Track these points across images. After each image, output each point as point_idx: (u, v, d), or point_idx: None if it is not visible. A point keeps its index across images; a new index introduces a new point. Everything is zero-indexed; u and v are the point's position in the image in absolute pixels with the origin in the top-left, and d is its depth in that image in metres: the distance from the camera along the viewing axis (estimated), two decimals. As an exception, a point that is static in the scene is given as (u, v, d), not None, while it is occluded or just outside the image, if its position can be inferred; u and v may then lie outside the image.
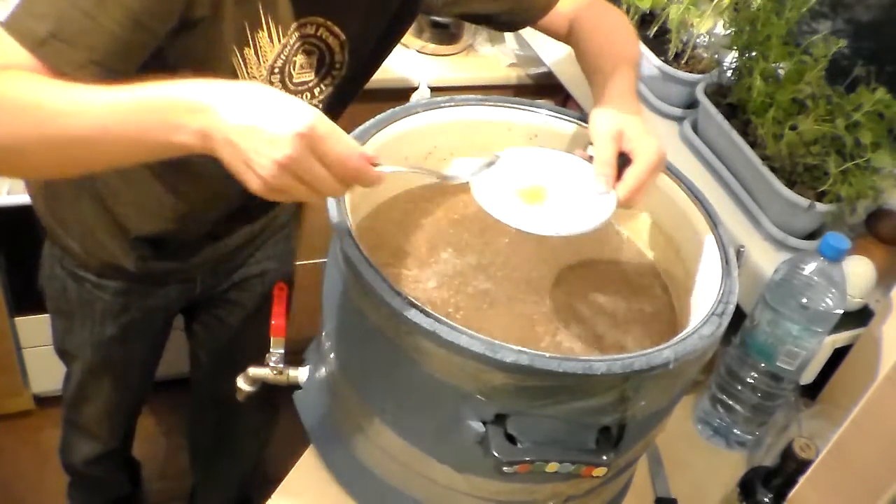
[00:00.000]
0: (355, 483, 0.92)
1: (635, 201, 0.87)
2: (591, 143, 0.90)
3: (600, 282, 0.98)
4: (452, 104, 0.98)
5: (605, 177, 0.87)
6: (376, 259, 0.76)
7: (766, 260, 1.10)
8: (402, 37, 1.10)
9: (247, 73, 0.90)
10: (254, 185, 0.65)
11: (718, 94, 1.25)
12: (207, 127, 0.65)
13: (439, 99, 0.98)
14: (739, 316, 0.98)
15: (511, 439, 0.76)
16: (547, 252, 1.00)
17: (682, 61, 1.34)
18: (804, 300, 0.97)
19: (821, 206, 1.08)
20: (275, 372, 0.94)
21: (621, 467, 0.89)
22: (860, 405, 0.71)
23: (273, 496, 0.94)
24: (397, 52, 1.85)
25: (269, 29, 0.88)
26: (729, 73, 1.26)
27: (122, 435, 1.50)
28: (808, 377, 1.09)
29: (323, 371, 0.93)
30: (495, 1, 1.08)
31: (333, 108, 1.03)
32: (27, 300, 1.76)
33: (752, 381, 1.04)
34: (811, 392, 1.13)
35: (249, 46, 0.88)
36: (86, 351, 1.28)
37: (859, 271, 1.07)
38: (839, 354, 1.09)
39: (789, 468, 0.93)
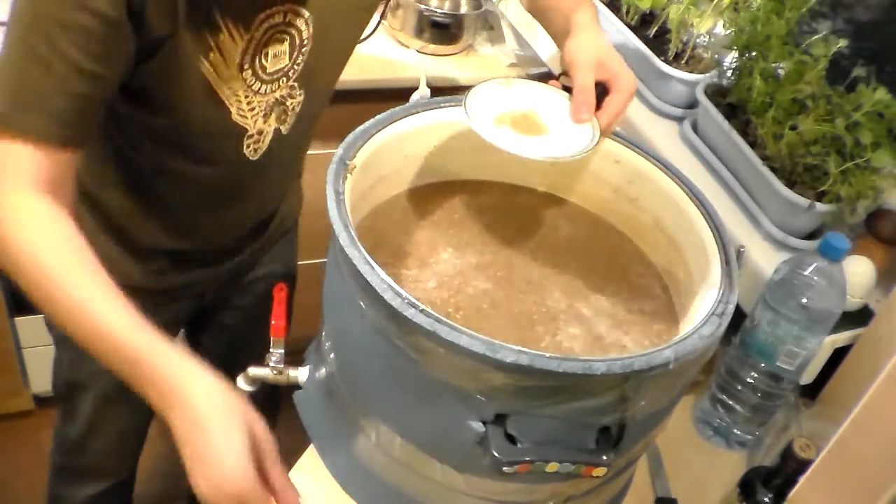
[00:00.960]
0: (355, 483, 0.92)
1: (612, 128, 0.93)
2: (565, 74, 0.95)
3: (600, 282, 0.98)
4: (452, 104, 0.98)
5: (586, 105, 0.91)
6: (376, 259, 0.76)
7: (766, 260, 1.10)
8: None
9: (217, 75, 0.90)
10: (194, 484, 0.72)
11: (718, 94, 1.25)
12: (166, 415, 0.73)
13: (439, 99, 0.98)
14: (739, 316, 0.98)
15: (511, 439, 0.76)
16: (547, 252, 1.00)
17: (682, 61, 1.34)
18: (804, 300, 0.97)
19: (821, 206, 1.08)
20: (275, 372, 0.94)
21: (621, 467, 0.89)
22: (860, 405, 0.71)
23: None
24: (397, 52, 1.87)
25: (228, 30, 0.87)
26: (729, 73, 1.26)
27: (131, 464, 1.45)
28: (808, 377, 1.09)
29: (323, 371, 0.93)
30: None
31: (307, 75, 1.01)
32: (27, 300, 1.75)
33: (752, 381, 1.04)
34: (811, 392, 1.13)
35: (214, 51, 0.88)
36: (101, 378, 1.22)
37: (859, 271, 1.07)
38: (839, 354, 1.09)
39: (789, 468, 0.93)
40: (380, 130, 0.92)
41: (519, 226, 1.03)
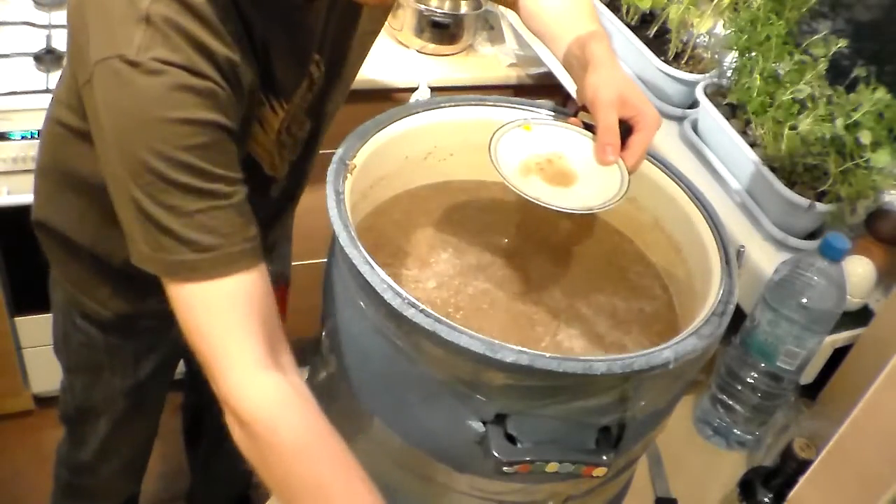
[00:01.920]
0: (355, 483, 0.92)
1: (638, 167, 0.88)
2: (583, 109, 0.91)
3: (600, 282, 0.98)
4: (452, 104, 0.98)
5: (612, 147, 0.87)
6: (376, 259, 0.76)
7: (766, 260, 1.10)
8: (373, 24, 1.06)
9: (256, 142, 0.91)
10: None
11: (718, 94, 1.25)
12: None
13: (439, 99, 0.98)
14: (739, 316, 0.98)
15: (511, 439, 0.76)
16: (547, 252, 1.00)
17: (682, 61, 1.34)
18: (804, 300, 0.97)
19: (821, 206, 1.08)
20: (275, 372, 0.94)
21: (621, 467, 0.89)
22: (860, 405, 0.71)
23: (273, 496, 0.94)
24: (397, 52, 1.87)
25: (270, 104, 0.88)
26: (729, 73, 1.26)
27: (139, 480, 1.44)
28: (808, 377, 1.09)
29: (323, 371, 0.93)
30: None
31: (316, 106, 1.01)
32: (27, 300, 1.76)
33: (752, 381, 1.04)
34: (811, 392, 1.13)
35: (255, 123, 0.88)
36: (117, 400, 1.22)
37: (859, 271, 1.07)
38: (839, 354, 1.09)
39: (789, 468, 0.93)
40: (380, 130, 0.92)
41: (519, 226, 1.03)
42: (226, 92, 0.75)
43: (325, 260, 0.88)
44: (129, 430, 1.28)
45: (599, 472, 0.77)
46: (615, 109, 0.87)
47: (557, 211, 0.83)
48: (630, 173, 0.87)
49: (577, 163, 0.90)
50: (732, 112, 1.22)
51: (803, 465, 0.89)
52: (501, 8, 1.80)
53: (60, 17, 1.69)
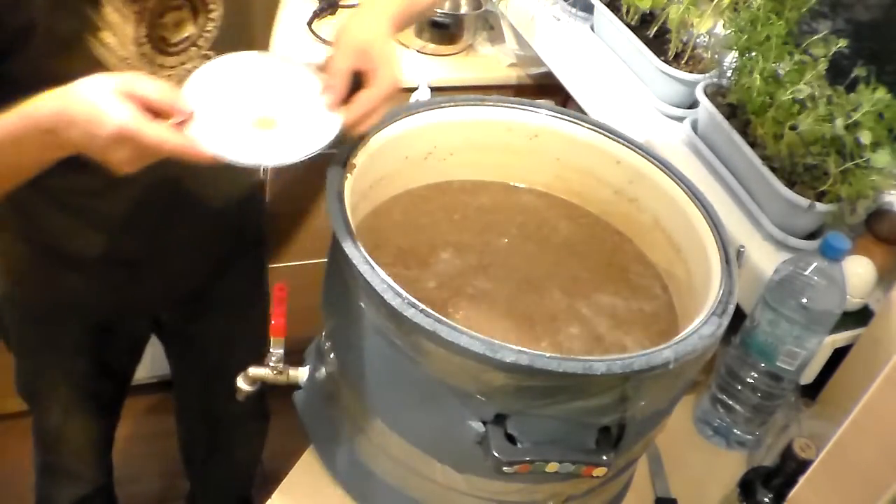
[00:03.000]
0: (355, 483, 0.92)
1: (361, 128, 0.82)
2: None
3: (600, 282, 0.98)
4: (452, 104, 0.98)
5: (332, 91, 0.81)
6: (376, 259, 0.76)
7: (766, 260, 1.10)
8: None
9: (114, 55, 0.84)
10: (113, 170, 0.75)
11: (718, 94, 1.25)
12: (60, 145, 0.75)
13: (439, 99, 0.98)
14: (739, 316, 0.98)
15: (511, 439, 0.76)
16: (547, 252, 1.00)
17: (682, 61, 1.34)
18: (804, 300, 0.97)
19: (821, 206, 1.08)
20: (275, 372, 0.94)
21: (621, 467, 0.89)
22: (860, 405, 0.71)
23: (273, 496, 0.94)
24: (397, 52, 1.86)
25: (114, 5, 0.81)
26: (729, 73, 1.26)
27: (105, 467, 1.42)
28: (808, 377, 1.09)
29: (323, 371, 0.93)
30: None
31: (227, 41, 0.93)
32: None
33: (752, 381, 1.04)
34: (811, 392, 1.12)
35: (103, 29, 0.82)
36: (58, 388, 1.22)
37: (859, 271, 1.07)
38: (839, 354, 1.09)
39: (789, 468, 0.93)
40: (380, 130, 0.92)
41: (519, 226, 1.03)
42: None
43: (325, 260, 0.88)
44: (77, 420, 1.27)
45: (599, 472, 0.77)
46: (352, 57, 0.81)
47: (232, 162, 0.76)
48: (348, 131, 0.81)
49: (290, 105, 0.83)
50: (732, 112, 1.22)
51: (803, 465, 0.89)
52: (501, 7, 1.80)
53: None
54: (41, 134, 0.74)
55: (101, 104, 0.71)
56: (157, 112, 0.73)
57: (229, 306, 1.28)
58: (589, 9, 1.50)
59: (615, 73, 1.42)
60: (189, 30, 0.89)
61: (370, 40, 0.82)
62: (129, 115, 0.71)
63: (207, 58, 0.90)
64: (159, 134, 0.72)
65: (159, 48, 0.87)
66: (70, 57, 0.82)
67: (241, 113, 0.81)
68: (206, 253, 1.16)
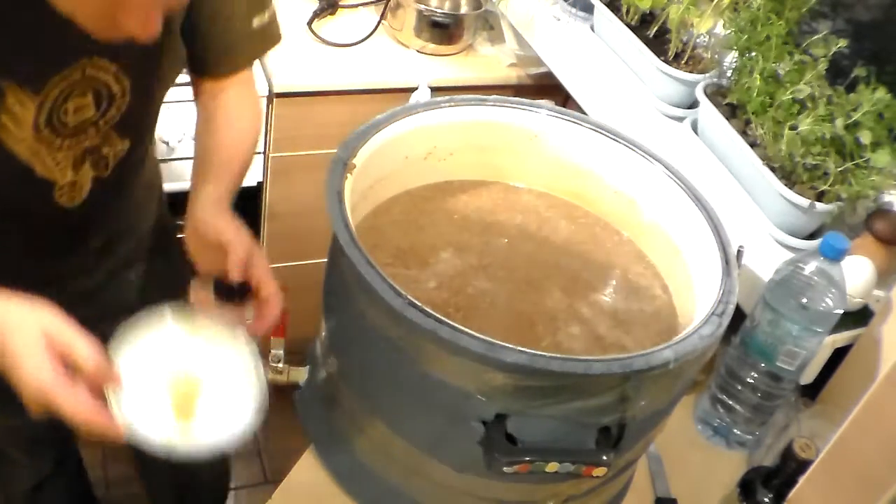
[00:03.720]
0: (355, 483, 0.92)
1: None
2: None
3: (600, 282, 0.98)
4: (452, 104, 0.98)
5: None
6: (376, 259, 0.76)
7: (766, 260, 1.10)
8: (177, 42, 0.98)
9: (11, 136, 0.84)
10: None
11: (718, 94, 1.25)
12: None
13: (439, 99, 0.98)
14: (739, 316, 0.98)
15: (511, 439, 0.76)
16: (547, 252, 1.00)
17: (682, 61, 1.34)
18: (804, 300, 0.97)
19: (821, 206, 1.08)
20: (275, 372, 0.94)
21: (621, 467, 0.89)
22: (860, 405, 0.71)
23: (273, 496, 0.94)
24: (397, 52, 1.87)
25: (15, 94, 0.81)
26: (729, 73, 1.26)
27: (59, 458, 1.37)
28: (808, 377, 1.09)
29: (323, 371, 0.93)
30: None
31: (129, 124, 0.96)
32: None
33: (752, 381, 1.04)
34: (811, 392, 1.12)
35: (4, 114, 0.82)
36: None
37: (859, 271, 1.07)
38: (839, 354, 1.09)
39: (789, 468, 0.93)
40: (380, 130, 0.92)
41: (519, 226, 1.03)
42: None
43: (325, 260, 0.88)
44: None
45: (599, 471, 0.77)
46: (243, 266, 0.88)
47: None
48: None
49: (213, 377, 0.84)
50: (732, 112, 1.22)
51: (803, 465, 0.89)
52: (501, 7, 1.80)
53: None
54: None
55: (26, 357, 0.74)
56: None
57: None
58: (589, 9, 1.50)
59: (615, 73, 1.42)
60: (89, 113, 0.90)
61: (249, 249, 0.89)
62: (49, 378, 0.73)
63: (108, 137, 0.94)
64: (75, 406, 0.74)
65: (57, 131, 0.88)
66: None
67: (162, 386, 0.83)
68: (97, 261, 1.14)
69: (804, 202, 1.08)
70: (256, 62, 1.67)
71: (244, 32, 1.00)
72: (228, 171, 1.00)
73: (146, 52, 0.86)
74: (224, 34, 0.99)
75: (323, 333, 0.92)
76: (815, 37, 1.14)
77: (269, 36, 1.04)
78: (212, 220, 0.92)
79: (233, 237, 0.89)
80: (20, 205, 0.94)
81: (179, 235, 1.27)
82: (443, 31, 1.82)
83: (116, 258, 1.16)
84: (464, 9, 1.90)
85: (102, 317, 1.22)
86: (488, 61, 1.88)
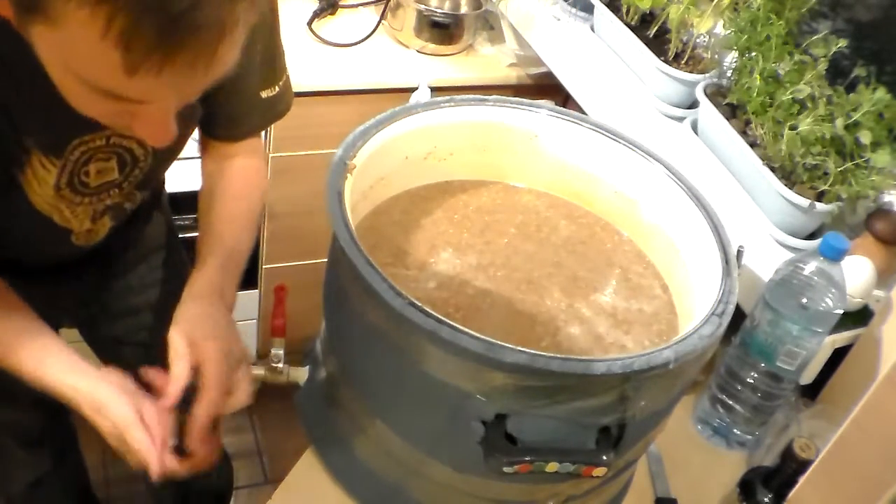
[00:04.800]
0: (355, 483, 0.92)
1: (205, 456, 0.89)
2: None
3: (600, 282, 0.98)
4: (452, 104, 0.98)
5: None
6: (376, 259, 0.76)
7: (766, 260, 1.10)
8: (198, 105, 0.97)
9: (33, 191, 0.87)
10: None
11: (718, 94, 1.25)
12: (68, 401, 0.86)
13: (439, 99, 0.98)
14: (739, 316, 0.98)
15: (511, 439, 0.76)
16: (547, 252, 1.00)
17: (682, 61, 1.34)
18: (804, 300, 0.97)
19: (821, 206, 1.08)
20: (275, 372, 0.94)
21: (621, 467, 0.89)
22: (860, 405, 0.71)
23: (273, 496, 0.94)
24: (397, 52, 1.87)
25: (38, 157, 0.83)
26: (729, 73, 1.26)
27: (58, 455, 1.37)
28: (808, 377, 1.09)
29: (323, 371, 0.93)
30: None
31: (150, 179, 0.98)
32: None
33: (752, 381, 1.04)
34: (811, 392, 1.12)
35: (25, 171, 0.84)
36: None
37: (859, 271, 1.07)
38: (839, 354, 1.09)
39: (789, 468, 0.93)
40: (380, 130, 0.92)
41: (519, 226, 1.03)
42: None
43: (325, 260, 0.88)
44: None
45: (599, 472, 0.77)
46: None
47: None
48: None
49: None
50: (732, 112, 1.22)
51: (803, 465, 0.89)
52: (501, 7, 1.81)
53: None
54: (67, 389, 0.85)
55: (131, 428, 0.84)
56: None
57: (148, 319, 1.27)
58: (589, 9, 1.50)
59: (615, 73, 1.42)
60: (112, 176, 0.91)
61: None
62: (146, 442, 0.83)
63: (131, 195, 0.98)
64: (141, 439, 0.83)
65: (77, 191, 0.90)
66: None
67: None
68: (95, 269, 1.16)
69: (804, 202, 1.08)
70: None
71: (251, 103, 0.99)
72: (221, 245, 0.97)
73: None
74: (230, 103, 0.98)
75: (323, 333, 0.92)
76: (815, 37, 1.14)
77: (276, 109, 1.03)
78: (193, 333, 0.87)
79: (210, 369, 0.86)
80: (38, 243, 0.98)
81: (182, 236, 1.30)
82: (443, 31, 1.82)
83: (121, 264, 1.20)
84: (464, 9, 1.90)
85: (104, 315, 1.26)
86: (488, 61, 1.88)
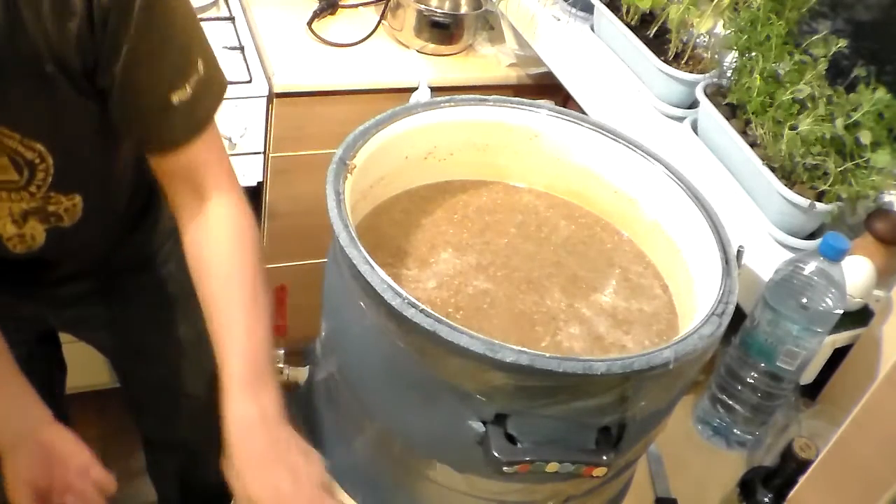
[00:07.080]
0: (355, 483, 0.92)
1: None
2: None
3: (600, 282, 0.98)
4: (452, 104, 0.98)
5: None
6: (376, 259, 0.76)
7: (766, 260, 1.10)
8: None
9: None
10: None
11: (718, 94, 1.25)
12: None
13: (439, 99, 0.98)
14: (739, 316, 0.98)
15: (511, 439, 0.76)
16: (547, 252, 1.00)
17: (682, 61, 1.34)
18: (804, 300, 0.97)
19: (821, 206, 1.08)
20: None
21: (621, 467, 0.89)
22: (860, 405, 0.71)
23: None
24: (397, 52, 1.87)
25: None
26: (729, 73, 1.26)
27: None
28: (808, 377, 1.09)
29: (323, 371, 0.93)
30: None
31: (70, 182, 0.93)
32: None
33: (752, 381, 1.04)
34: (811, 392, 1.13)
35: None
36: None
37: (859, 271, 1.07)
38: (839, 354, 1.09)
39: (789, 468, 0.93)
40: (380, 130, 0.92)
41: (519, 226, 1.03)
42: None
43: (325, 260, 0.88)
44: None
45: (599, 472, 0.77)
46: None
47: None
48: None
49: None
50: (732, 112, 1.22)
51: (803, 465, 0.89)
52: (501, 7, 1.81)
53: None
54: None
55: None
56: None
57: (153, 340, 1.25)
58: (589, 9, 1.50)
59: (615, 73, 1.42)
60: (13, 176, 0.88)
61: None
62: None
63: (48, 199, 0.93)
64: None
65: None
66: None
67: None
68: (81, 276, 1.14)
69: (804, 202, 1.08)
70: (257, 66, 1.69)
71: (159, 107, 0.85)
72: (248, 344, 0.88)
73: (44, 117, 0.84)
74: (137, 107, 0.86)
75: (323, 333, 0.92)
76: (815, 37, 1.14)
77: (194, 117, 0.88)
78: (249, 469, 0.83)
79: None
80: None
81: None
82: (443, 31, 1.82)
83: (105, 272, 1.15)
84: (464, 9, 1.90)
85: (96, 322, 1.25)
86: (488, 61, 1.87)
